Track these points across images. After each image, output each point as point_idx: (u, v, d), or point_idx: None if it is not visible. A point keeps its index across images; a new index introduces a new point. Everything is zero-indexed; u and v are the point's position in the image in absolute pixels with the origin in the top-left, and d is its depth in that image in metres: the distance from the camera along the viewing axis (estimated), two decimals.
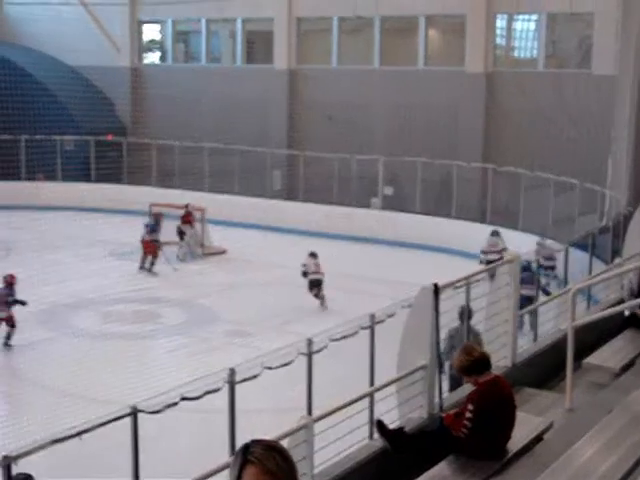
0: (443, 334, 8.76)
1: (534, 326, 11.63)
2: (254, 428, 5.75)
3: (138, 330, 17.51)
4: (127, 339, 16.70)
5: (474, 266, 19.31)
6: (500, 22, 27.65)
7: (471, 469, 6.36)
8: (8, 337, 16.63)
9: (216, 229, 25.51)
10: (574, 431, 6.67)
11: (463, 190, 26.41)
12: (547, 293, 15.54)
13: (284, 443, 5.69)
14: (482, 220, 25.26)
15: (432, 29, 29.18)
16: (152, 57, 35.72)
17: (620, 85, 21.02)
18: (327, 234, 26.12)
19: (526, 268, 13.06)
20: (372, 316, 7.91)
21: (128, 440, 6.60)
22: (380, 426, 6.80)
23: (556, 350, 8.66)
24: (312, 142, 29.43)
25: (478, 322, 10.03)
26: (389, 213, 27.26)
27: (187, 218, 25.08)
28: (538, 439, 6.86)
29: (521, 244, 19.36)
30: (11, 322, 16.67)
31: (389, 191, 28.32)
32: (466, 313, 9.66)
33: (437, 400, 7.47)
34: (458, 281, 8.26)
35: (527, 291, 13.01)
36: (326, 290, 19.52)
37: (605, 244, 16.20)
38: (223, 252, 24.98)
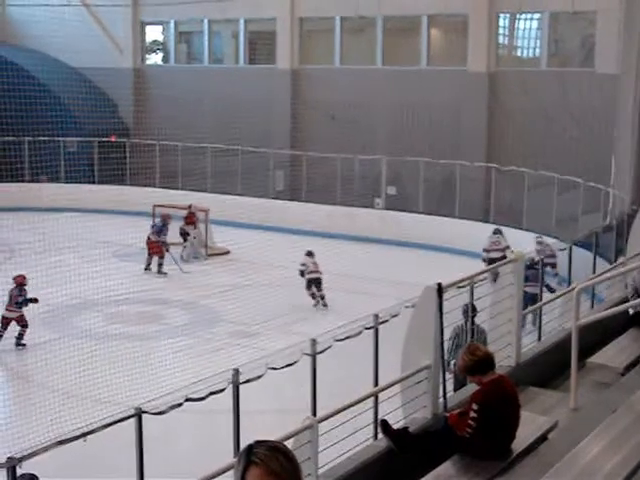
0: (447, 333, 8.76)
1: (536, 324, 11.64)
2: (258, 429, 5.75)
3: (142, 331, 17.53)
4: (131, 340, 16.71)
5: (478, 265, 19.31)
6: (503, 21, 27.62)
7: (475, 469, 6.36)
8: (20, 337, 16.79)
9: (219, 230, 25.52)
10: (579, 430, 6.66)
11: (466, 189, 26.40)
12: (551, 290, 15.57)
13: (288, 444, 5.69)
14: (485, 219, 25.26)
15: (434, 28, 29.16)
16: (155, 58, 35.75)
17: (623, 84, 20.98)
18: (330, 234, 26.12)
19: (530, 266, 13.07)
20: (376, 316, 7.92)
21: (132, 440, 6.60)
22: (384, 426, 6.80)
23: (560, 349, 8.65)
24: (315, 142, 29.43)
25: (482, 322, 10.04)
26: (392, 213, 27.25)
27: (190, 219, 25.13)
28: (542, 438, 6.86)
29: (525, 243, 19.38)
30: (23, 322, 16.87)
31: (392, 191, 28.32)
32: (470, 310, 9.69)
33: (441, 400, 7.46)
34: (462, 281, 8.26)
35: (531, 289, 13.06)
36: (329, 290, 19.53)
37: (609, 243, 16.17)
38: (226, 253, 24.99)
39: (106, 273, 19.33)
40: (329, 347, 7.72)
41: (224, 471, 5.66)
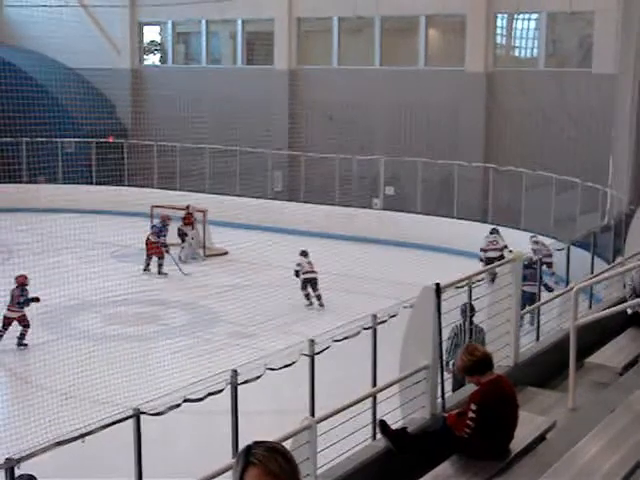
0: (445, 334, 8.76)
1: (534, 323, 11.67)
2: (256, 429, 5.75)
3: (141, 332, 17.51)
4: (130, 341, 16.70)
5: (476, 266, 19.34)
6: (500, 21, 27.64)
7: (474, 469, 6.36)
8: (22, 337, 16.84)
9: (218, 230, 25.52)
10: (577, 430, 6.67)
11: (464, 190, 26.42)
12: (549, 289, 15.61)
13: (287, 444, 5.69)
14: (484, 220, 25.27)
15: (432, 29, 29.18)
16: (152, 59, 35.74)
17: (621, 84, 21.01)
18: (328, 234, 26.13)
19: (528, 265, 13.12)
20: (374, 316, 7.92)
21: (131, 441, 6.61)
22: (383, 426, 6.80)
23: (558, 349, 8.66)
24: (313, 142, 29.45)
25: (480, 322, 10.05)
26: (390, 213, 27.26)
27: (188, 220, 25.12)
28: (541, 438, 6.86)
29: (522, 243, 19.40)
30: (24, 322, 16.92)
31: (390, 191, 28.33)
32: (468, 310, 9.72)
33: (440, 400, 7.47)
34: (460, 281, 8.26)
35: (530, 288, 13.14)
36: (328, 290, 19.53)
37: (607, 243, 16.19)
38: (225, 253, 24.98)
39: (104, 274, 19.35)
40: (327, 347, 7.72)
41: (223, 472, 5.65)
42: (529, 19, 27.62)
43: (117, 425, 6.51)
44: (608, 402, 7.33)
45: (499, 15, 27.41)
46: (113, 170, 30.00)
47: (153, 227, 23.69)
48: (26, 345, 16.83)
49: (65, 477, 10.47)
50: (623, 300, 10.34)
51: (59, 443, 6.16)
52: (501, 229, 22.33)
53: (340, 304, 18.97)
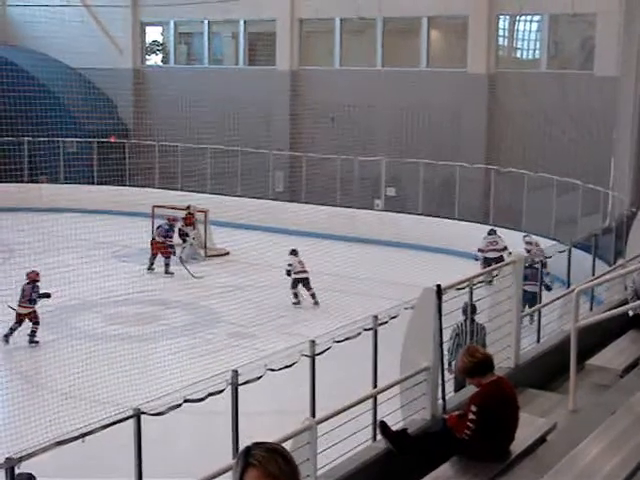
0: (446, 335, 8.75)
1: (533, 322, 11.68)
2: (257, 430, 5.75)
3: (142, 332, 17.52)
4: (130, 341, 16.70)
5: (477, 267, 19.35)
6: (502, 23, 27.64)
7: (474, 470, 6.36)
8: (33, 334, 16.87)
9: (219, 231, 25.51)
10: (577, 432, 6.66)
11: (466, 191, 26.41)
12: (548, 288, 15.63)
13: (287, 445, 5.69)
14: (485, 221, 25.24)
15: (434, 30, 29.17)
16: (154, 59, 35.74)
17: (623, 86, 21.01)
18: (329, 235, 26.11)
19: (529, 265, 13.17)
20: (375, 317, 7.92)
21: (131, 441, 6.60)
22: (383, 428, 6.80)
23: (559, 351, 8.65)
24: (314, 143, 29.44)
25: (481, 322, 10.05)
26: (392, 214, 27.26)
27: (189, 220, 25.11)
28: (541, 440, 6.86)
29: (523, 244, 19.42)
30: (35, 319, 16.97)
31: (392, 192, 28.33)
32: (469, 309, 9.73)
33: (440, 402, 7.46)
34: (461, 282, 8.26)
35: (531, 287, 13.22)
36: (329, 291, 19.55)
37: (608, 245, 16.18)
38: (226, 254, 24.99)
39: (105, 274, 19.36)
40: (328, 348, 7.72)
41: (223, 472, 5.65)
42: (531, 21, 27.63)
43: (117, 425, 6.51)
44: (609, 404, 7.32)
45: (501, 17, 27.41)
46: (115, 170, 30.01)
47: (159, 228, 23.62)
48: (37, 342, 16.86)
49: (65, 477, 10.47)
50: (624, 302, 10.33)
51: (59, 443, 6.16)
52: (502, 230, 22.32)
53: (341, 305, 18.97)
